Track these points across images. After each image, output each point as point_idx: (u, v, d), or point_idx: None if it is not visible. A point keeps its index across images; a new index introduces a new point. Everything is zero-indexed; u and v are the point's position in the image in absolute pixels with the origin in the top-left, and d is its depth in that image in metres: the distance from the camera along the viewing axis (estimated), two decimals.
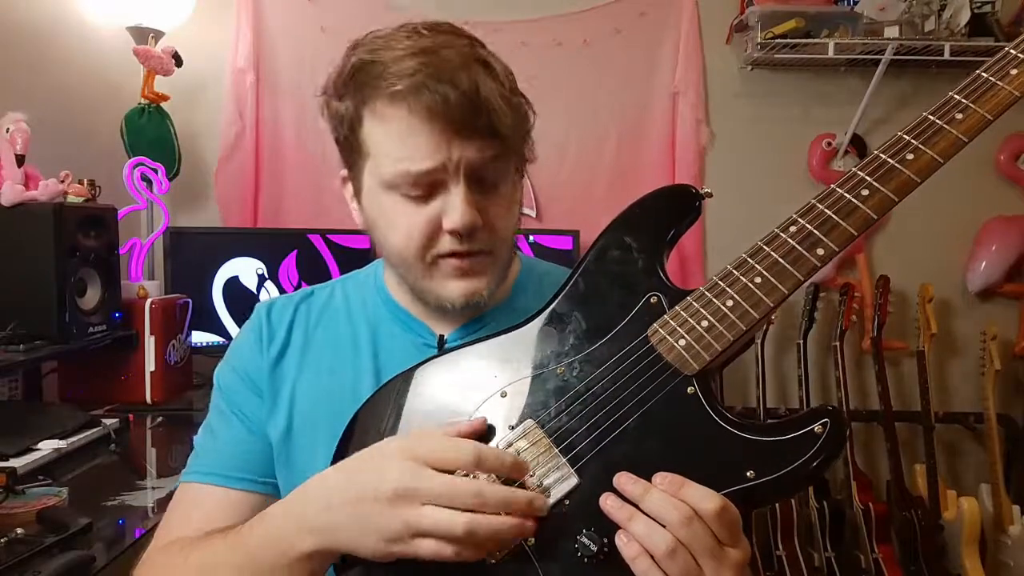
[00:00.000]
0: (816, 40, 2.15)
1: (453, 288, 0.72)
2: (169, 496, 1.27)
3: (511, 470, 0.60)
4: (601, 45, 2.32)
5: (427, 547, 0.57)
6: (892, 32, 2.16)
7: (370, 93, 0.68)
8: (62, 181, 1.64)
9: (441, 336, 0.79)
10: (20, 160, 1.56)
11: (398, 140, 0.68)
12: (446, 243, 0.71)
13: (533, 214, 2.33)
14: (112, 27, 2.05)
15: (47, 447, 1.41)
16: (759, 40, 2.17)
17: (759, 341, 2.21)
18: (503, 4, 2.29)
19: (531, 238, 2.17)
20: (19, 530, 1.07)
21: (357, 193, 0.77)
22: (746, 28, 2.28)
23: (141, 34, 2.04)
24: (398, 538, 0.57)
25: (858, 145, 2.34)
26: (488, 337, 0.70)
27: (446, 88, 0.65)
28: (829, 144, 2.34)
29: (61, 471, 1.37)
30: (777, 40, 2.15)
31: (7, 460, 1.32)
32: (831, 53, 2.15)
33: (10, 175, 1.56)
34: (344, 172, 0.78)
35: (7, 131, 1.55)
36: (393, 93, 0.67)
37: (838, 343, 2.23)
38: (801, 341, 2.24)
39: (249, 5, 2.25)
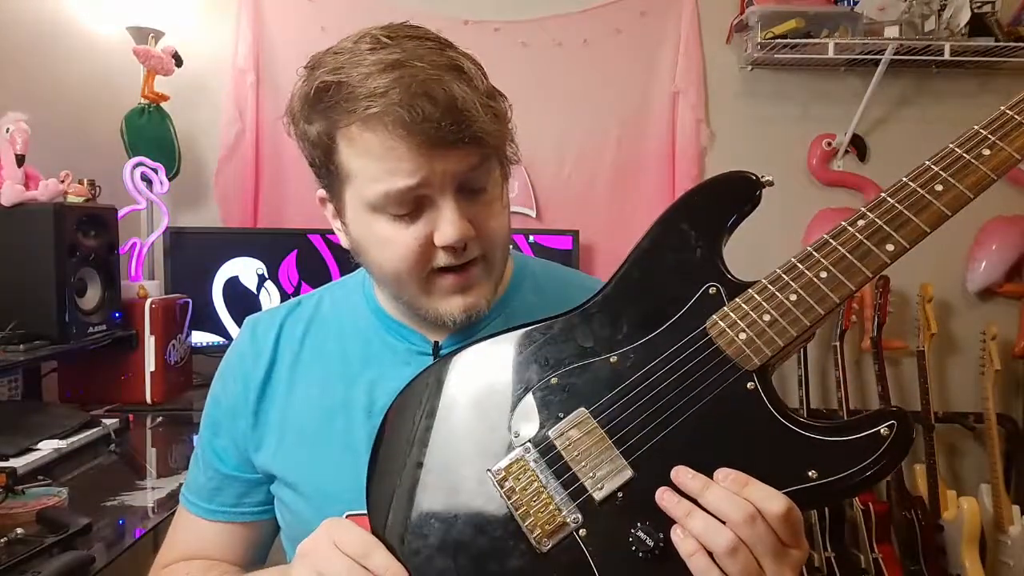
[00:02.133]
0: (816, 40, 2.14)
1: (454, 304, 0.71)
2: (169, 496, 1.28)
3: None
4: (601, 45, 2.32)
5: None
6: (892, 32, 2.16)
7: (341, 116, 0.65)
8: (62, 181, 1.64)
9: (436, 342, 0.78)
10: (20, 160, 1.56)
11: (378, 161, 0.65)
12: (441, 258, 0.69)
13: (533, 214, 2.33)
14: (112, 27, 2.05)
15: (47, 447, 1.42)
16: (759, 40, 2.16)
17: None
18: (503, 4, 2.29)
19: (531, 238, 2.17)
20: (19, 530, 1.07)
21: (340, 214, 0.73)
22: (746, 28, 2.28)
23: (141, 34, 2.04)
24: None
25: (858, 145, 2.34)
26: (536, 322, 0.68)
27: (422, 102, 0.62)
28: (829, 144, 2.34)
29: (61, 471, 1.37)
30: (777, 40, 2.15)
31: (7, 460, 1.32)
32: (831, 53, 2.14)
33: (10, 175, 1.56)
34: (322, 192, 0.75)
35: (7, 131, 1.55)
36: (367, 117, 0.63)
37: (838, 343, 2.23)
38: None
39: (249, 5, 2.25)
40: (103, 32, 2.06)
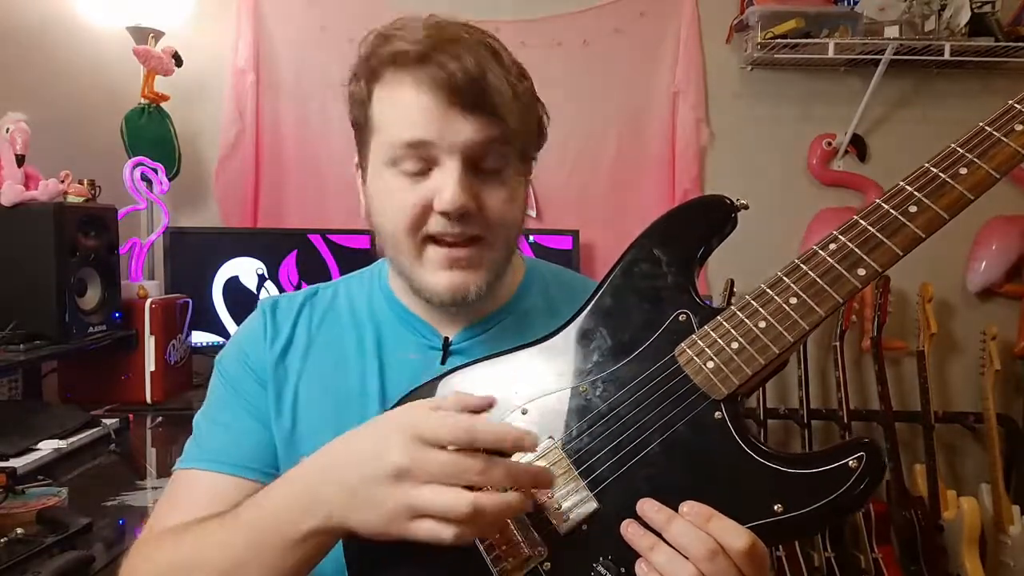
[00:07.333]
0: (816, 40, 2.14)
1: (441, 279, 0.71)
2: None
3: (512, 445, 0.55)
4: (601, 45, 2.32)
5: (425, 528, 0.53)
6: (892, 32, 2.16)
7: (380, 63, 0.70)
8: (62, 181, 1.64)
9: (446, 338, 0.78)
10: (20, 160, 1.56)
11: (400, 109, 0.69)
12: (435, 223, 0.69)
13: (533, 214, 2.33)
14: (112, 27, 2.05)
15: (47, 447, 1.41)
16: (759, 40, 2.16)
17: None
18: (503, 4, 2.29)
19: (531, 238, 2.17)
20: (19, 530, 1.07)
21: (364, 177, 0.76)
22: (746, 28, 2.28)
23: (141, 34, 2.04)
24: (396, 517, 0.54)
25: (858, 145, 2.34)
26: (511, 350, 0.68)
27: (451, 62, 0.66)
28: (829, 144, 2.34)
29: (61, 471, 1.37)
30: (777, 40, 2.15)
31: (7, 460, 1.32)
32: (831, 53, 2.15)
33: (10, 175, 1.56)
34: (356, 159, 0.78)
35: (7, 131, 1.55)
36: (399, 56, 0.68)
37: (838, 343, 2.23)
38: None
39: (249, 5, 2.25)
40: (103, 32, 2.06)
